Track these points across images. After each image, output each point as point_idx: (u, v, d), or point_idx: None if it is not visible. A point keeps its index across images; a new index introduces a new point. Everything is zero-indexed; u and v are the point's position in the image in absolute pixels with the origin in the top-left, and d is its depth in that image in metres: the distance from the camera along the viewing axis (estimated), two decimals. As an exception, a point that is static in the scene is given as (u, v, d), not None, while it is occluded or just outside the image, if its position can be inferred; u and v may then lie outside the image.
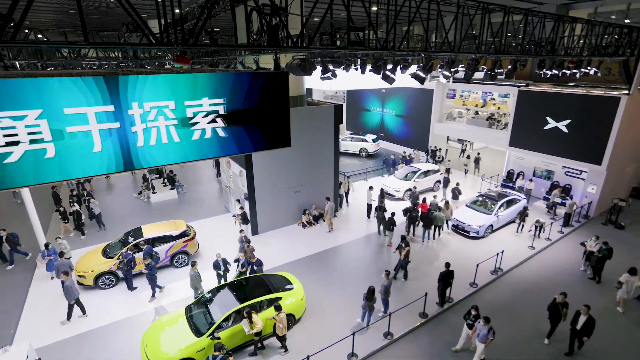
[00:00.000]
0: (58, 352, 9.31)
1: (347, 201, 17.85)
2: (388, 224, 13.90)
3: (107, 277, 11.75)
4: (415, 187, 17.07)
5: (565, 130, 16.50)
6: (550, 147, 17.12)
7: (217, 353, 7.59)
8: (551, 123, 16.92)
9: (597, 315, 10.37)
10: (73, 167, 4.96)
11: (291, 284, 10.51)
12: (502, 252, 12.59)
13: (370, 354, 9.33)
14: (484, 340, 8.40)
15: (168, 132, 5.48)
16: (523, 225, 15.16)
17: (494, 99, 24.03)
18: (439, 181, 18.27)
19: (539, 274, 12.64)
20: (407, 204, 16.56)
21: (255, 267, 11.40)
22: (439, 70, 12.11)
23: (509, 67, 11.22)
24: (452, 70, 10.55)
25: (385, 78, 9.55)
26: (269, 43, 6.16)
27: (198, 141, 5.90)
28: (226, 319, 9.00)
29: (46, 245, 12.37)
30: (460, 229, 14.92)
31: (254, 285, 10.23)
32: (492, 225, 14.73)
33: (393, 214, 14.13)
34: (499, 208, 15.00)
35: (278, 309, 8.83)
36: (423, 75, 9.23)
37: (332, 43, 6.90)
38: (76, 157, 4.93)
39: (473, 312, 8.89)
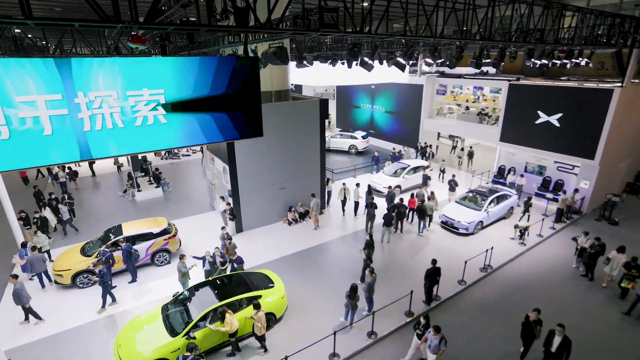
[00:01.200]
0: (29, 354, 8.92)
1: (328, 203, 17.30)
2: (386, 220, 13.51)
3: (85, 275, 11.38)
4: (391, 187, 16.48)
5: (557, 124, 16.21)
6: (542, 142, 16.83)
7: (188, 354, 7.21)
8: (542, 117, 16.63)
9: (589, 315, 10.13)
10: (29, 153, 4.92)
11: (272, 282, 10.14)
12: (492, 248, 12.27)
13: (353, 354, 8.97)
14: (435, 351, 7.77)
15: (113, 118, 5.18)
16: (529, 216, 14.94)
17: (484, 94, 23.71)
18: (428, 177, 17.90)
19: (530, 271, 12.32)
20: (395, 200, 16.15)
21: (235, 265, 11.03)
22: (426, 60, 11.67)
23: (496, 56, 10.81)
24: (439, 61, 10.16)
25: (363, 64, 9.16)
26: (237, 24, 5.76)
27: (146, 129, 5.56)
28: (203, 318, 8.64)
29: (24, 245, 11.91)
30: (449, 226, 14.58)
31: (233, 283, 9.86)
32: (482, 222, 14.41)
33: (389, 209, 13.77)
34: (489, 204, 14.68)
35: (257, 307, 8.48)
36: (403, 62, 8.85)
37: (306, 27, 6.52)
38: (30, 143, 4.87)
39: (423, 321, 8.24)
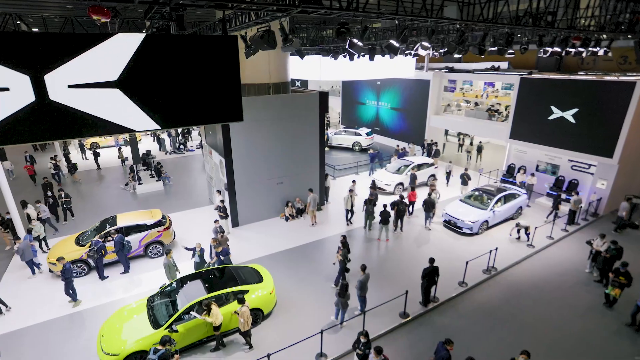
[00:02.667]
0: (16, 341, 8.82)
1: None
2: (383, 218, 12.95)
3: (78, 265, 11.28)
4: (375, 189, 15.66)
5: (572, 121, 15.31)
6: (555, 139, 15.94)
7: (159, 347, 6.86)
8: (556, 113, 15.75)
9: (601, 323, 9.34)
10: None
11: (261, 277, 9.75)
12: (496, 249, 11.57)
13: (342, 354, 8.49)
14: None
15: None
16: (556, 214, 14.23)
17: (496, 90, 22.81)
18: (432, 175, 17.12)
19: (537, 275, 11.56)
20: (396, 198, 15.53)
21: (222, 257, 10.67)
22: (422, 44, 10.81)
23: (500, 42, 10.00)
24: (441, 50, 9.49)
25: (352, 46, 8.59)
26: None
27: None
28: (188, 311, 8.35)
29: (29, 231, 12.07)
30: (452, 225, 13.90)
31: (220, 277, 9.55)
32: (487, 222, 13.68)
33: (385, 206, 13.23)
34: (496, 203, 13.93)
35: (241, 302, 8.13)
36: (396, 45, 8.28)
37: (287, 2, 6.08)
38: None
39: (363, 340, 7.45)
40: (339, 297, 8.86)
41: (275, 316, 9.64)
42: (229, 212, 13.68)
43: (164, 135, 27.47)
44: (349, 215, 14.41)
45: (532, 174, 16.59)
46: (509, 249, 12.72)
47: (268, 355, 7.34)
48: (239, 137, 13.26)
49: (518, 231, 13.20)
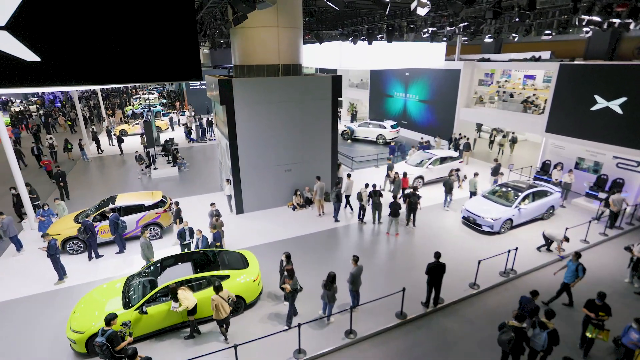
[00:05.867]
0: (-6, 313, 8.81)
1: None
2: (392, 210, 11.95)
3: (74, 242, 11.33)
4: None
5: (619, 111, 13.37)
6: (599, 133, 14.03)
7: (107, 328, 6.41)
8: (600, 103, 13.84)
9: None
10: None
11: (247, 263, 9.15)
12: (516, 249, 10.19)
13: (322, 353, 7.67)
14: None
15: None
16: (615, 218, 12.38)
17: (533, 84, 20.78)
18: (457, 170, 15.67)
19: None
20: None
21: (209, 241, 10.20)
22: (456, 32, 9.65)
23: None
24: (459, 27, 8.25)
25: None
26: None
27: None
28: (165, 294, 7.95)
29: (42, 206, 12.44)
30: (471, 222, 12.56)
31: (201, 260, 9.06)
32: (511, 220, 12.19)
33: (395, 197, 12.22)
34: (523, 200, 12.41)
35: (217, 289, 7.50)
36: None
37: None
38: None
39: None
40: (325, 289, 8.05)
41: (260, 306, 9.00)
42: (231, 204, 13.20)
43: (192, 126, 27.85)
44: (361, 213, 13.11)
45: (570, 170, 14.71)
46: (533, 251, 11.23)
47: (235, 347, 6.71)
48: (244, 120, 12.79)
49: (549, 245, 11.25)
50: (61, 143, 22.18)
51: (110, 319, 6.49)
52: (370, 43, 12.17)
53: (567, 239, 10.59)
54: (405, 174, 14.71)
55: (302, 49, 14.07)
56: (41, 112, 36.05)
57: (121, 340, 6.60)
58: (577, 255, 8.82)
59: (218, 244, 10.38)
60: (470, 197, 14.02)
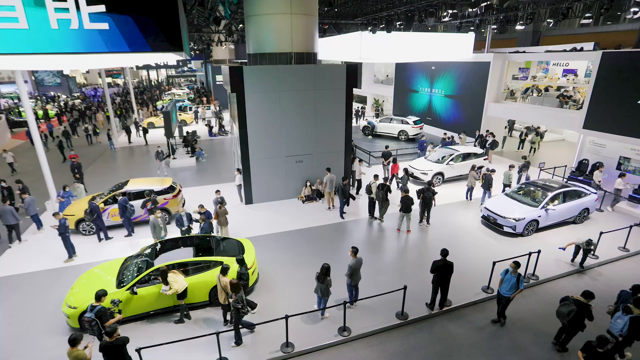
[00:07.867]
0: (4, 286, 9.10)
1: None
2: (404, 205, 11.26)
3: (87, 223, 11.59)
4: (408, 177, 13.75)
5: (671, 105, 11.85)
6: (646, 129, 12.51)
7: (96, 304, 6.34)
8: (648, 95, 12.35)
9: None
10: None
11: (243, 250, 8.87)
12: (539, 252, 9.18)
13: (312, 349, 7.20)
14: None
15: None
16: None
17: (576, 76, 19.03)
18: (480, 167, 14.57)
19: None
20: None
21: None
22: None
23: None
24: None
25: None
26: None
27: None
28: (150, 276, 7.84)
29: (64, 188, 12.88)
30: (491, 222, 11.57)
31: (198, 245, 8.89)
32: (536, 221, 11.08)
33: (407, 191, 11.48)
34: (551, 200, 11.25)
35: (224, 271, 7.26)
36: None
37: None
38: None
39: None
40: (318, 281, 7.56)
41: (254, 295, 8.67)
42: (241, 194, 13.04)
43: (213, 122, 28.29)
44: (372, 207, 12.40)
45: (622, 175, 12.83)
46: (560, 256, 10.12)
47: (217, 333, 6.40)
48: (255, 108, 12.57)
49: (577, 250, 9.87)
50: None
51: (100, 295, 6.48)
52: (389, 32, 11.56)
53: (588, 243, 9.42)
54: (395, 160, 14.75)
55: (317, 37, 13.65)
56: (82, 106, 38.18)
57: (110, 317, 6.53)
58: (517, 265, 7.44)
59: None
60: (503, 190, 13.12)
